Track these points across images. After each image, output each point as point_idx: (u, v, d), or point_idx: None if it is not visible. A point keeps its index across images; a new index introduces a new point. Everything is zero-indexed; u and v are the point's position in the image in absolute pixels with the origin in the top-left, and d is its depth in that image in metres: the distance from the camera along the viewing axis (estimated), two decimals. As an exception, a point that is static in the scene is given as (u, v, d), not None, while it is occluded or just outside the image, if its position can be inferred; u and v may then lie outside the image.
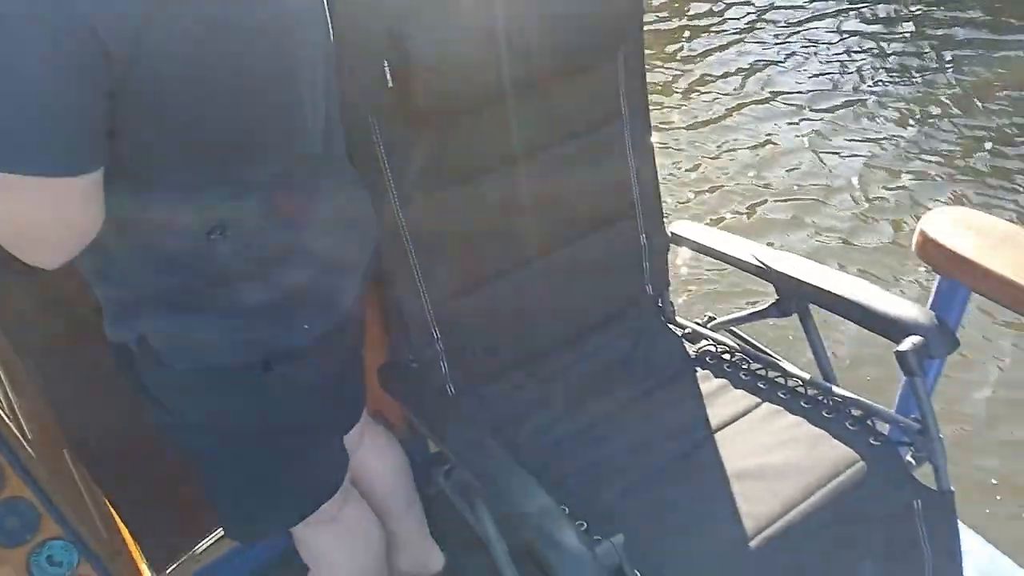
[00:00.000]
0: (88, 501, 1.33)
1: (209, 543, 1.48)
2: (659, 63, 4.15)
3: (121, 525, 1.47)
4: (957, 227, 1.12)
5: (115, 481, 1.48)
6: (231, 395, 0.88)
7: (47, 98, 0.60)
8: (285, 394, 0.90)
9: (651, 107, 1.29)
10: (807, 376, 1.24)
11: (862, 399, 1.18)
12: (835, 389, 1.21)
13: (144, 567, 1.46)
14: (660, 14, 4.65)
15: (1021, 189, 3.05)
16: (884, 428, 1.18)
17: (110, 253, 0.76)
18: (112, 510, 1.46)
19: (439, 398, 1.19)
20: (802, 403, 1.21)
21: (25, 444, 1.09)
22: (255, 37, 0.70)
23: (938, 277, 1.16)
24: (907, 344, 1.05)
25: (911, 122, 3.53)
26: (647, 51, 1.24)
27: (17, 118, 0.59)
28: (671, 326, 1.41)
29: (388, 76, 0.97)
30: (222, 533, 1.51)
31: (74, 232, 0.69)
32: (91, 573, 1.17)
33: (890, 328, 1.09)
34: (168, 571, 1.43)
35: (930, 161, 3.26)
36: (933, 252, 1.12)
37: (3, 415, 1.05)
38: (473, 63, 1.03)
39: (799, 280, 1.20)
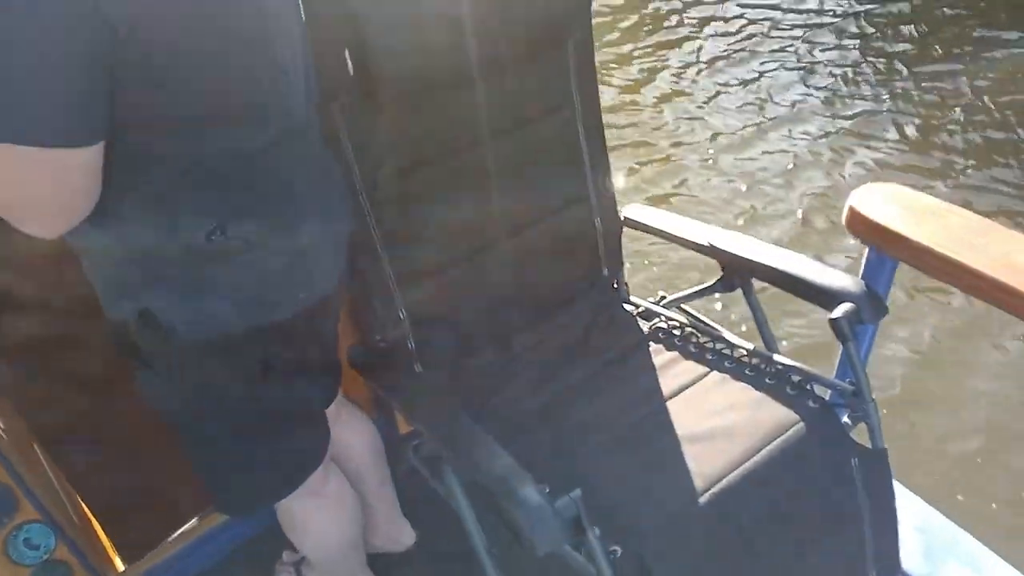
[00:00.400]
0: (60, 492, 1.35)
1: (183, 531, 1.50)
2: (675, 71, 4.09)
3: (92, 517, 1.49)
4: (884, 202, 1.20)
5: (85, 477, 1.50)
6: (231, 363, 0.91)
7: (54, 72, 0.62)
8: (279, 364, 0.94)
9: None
10: (751, 346, 1.32)
11: (801, 365, 1.25)
12: (776, 357, 1.28)
13: (117, 560, 1.48)
14: (668, 23, 4.63)
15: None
16: (823, 392, 1.25)
17: (114, 230, 0.78)
18: (83, 504, 1.48)
19: (407, 375, 1.23)
20: (746, 371, 1.29)
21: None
22: (238, 5, 0.73)
23: (867, 249, 1.24)
24: (840, 311, 1.12)
25: (923, 132, 3.53)
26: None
27: (23, 91, 0.62)
28: (626, 305, 1.48)
29: (348, 61, 1.01)
30: (195, 522, 1.53)
31: (73, 204, 0.72)
32: (68, 556, 1.19)
33: (824, 297, 1.16)
34: (143, 559, 1.45)
35: (948, 176, 3.23)
36: (862, 225, 1.19)
37: None
38: (431, 47, 1.08)
39: (741, 256, 1.28)
